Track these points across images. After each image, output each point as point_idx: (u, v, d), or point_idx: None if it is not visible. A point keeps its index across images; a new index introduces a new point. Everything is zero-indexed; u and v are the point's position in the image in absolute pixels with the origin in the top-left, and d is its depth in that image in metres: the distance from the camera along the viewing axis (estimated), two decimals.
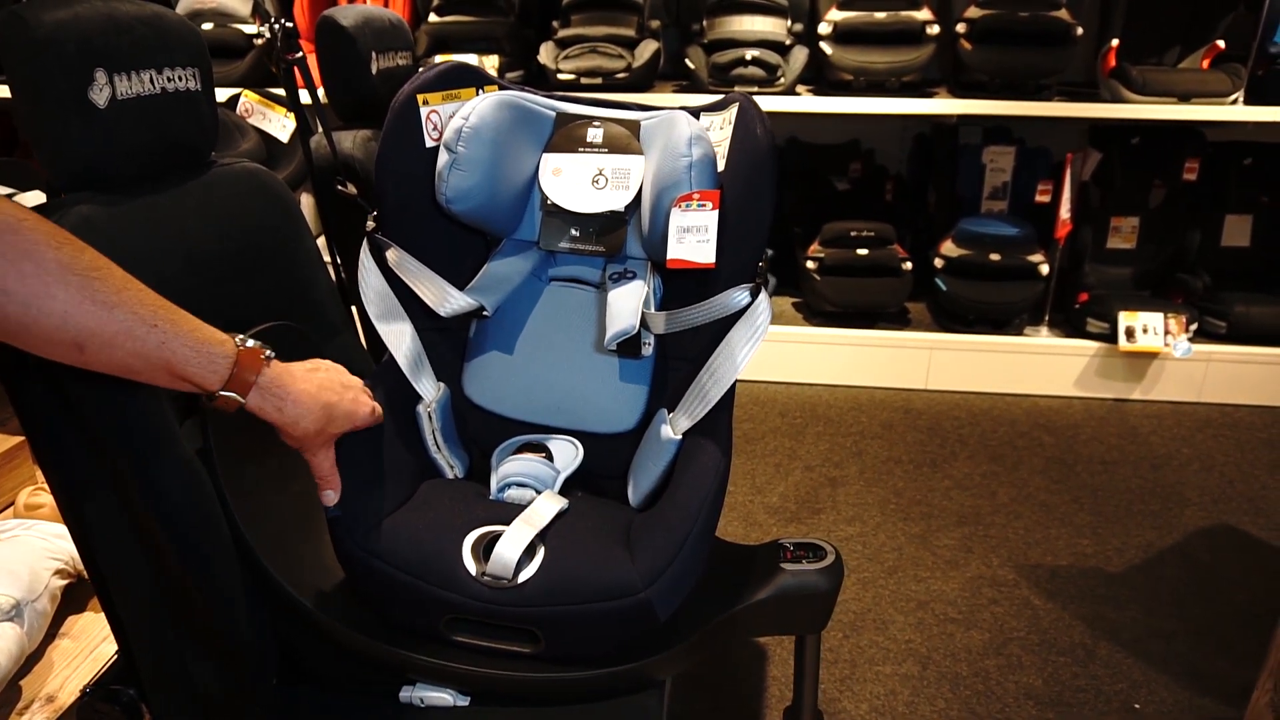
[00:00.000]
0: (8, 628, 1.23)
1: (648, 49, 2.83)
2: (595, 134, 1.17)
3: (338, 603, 1.00)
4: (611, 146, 1.16)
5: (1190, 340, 2.77)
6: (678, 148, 1.06)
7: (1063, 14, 2.65)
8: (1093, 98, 2.80)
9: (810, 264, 2.95)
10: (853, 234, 2.91)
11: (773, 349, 2.99)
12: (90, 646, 1.34)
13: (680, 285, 1.14)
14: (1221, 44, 2.75)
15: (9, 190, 1.72)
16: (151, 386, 0.91)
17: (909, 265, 2.90)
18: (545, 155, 1.18)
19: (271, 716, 1.03)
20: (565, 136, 1.18)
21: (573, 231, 1.18)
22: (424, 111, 1.11)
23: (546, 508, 0.99)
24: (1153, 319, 2.77)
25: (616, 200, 1.15)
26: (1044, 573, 2.06)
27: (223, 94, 2.39)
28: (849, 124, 3.32)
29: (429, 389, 1.13)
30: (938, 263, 2.93)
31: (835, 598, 1.08)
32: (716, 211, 1.03)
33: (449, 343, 1.20)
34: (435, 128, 1.12)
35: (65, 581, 1.41)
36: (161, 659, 1.00)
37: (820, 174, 3.33)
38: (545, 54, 2.85)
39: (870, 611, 1.92)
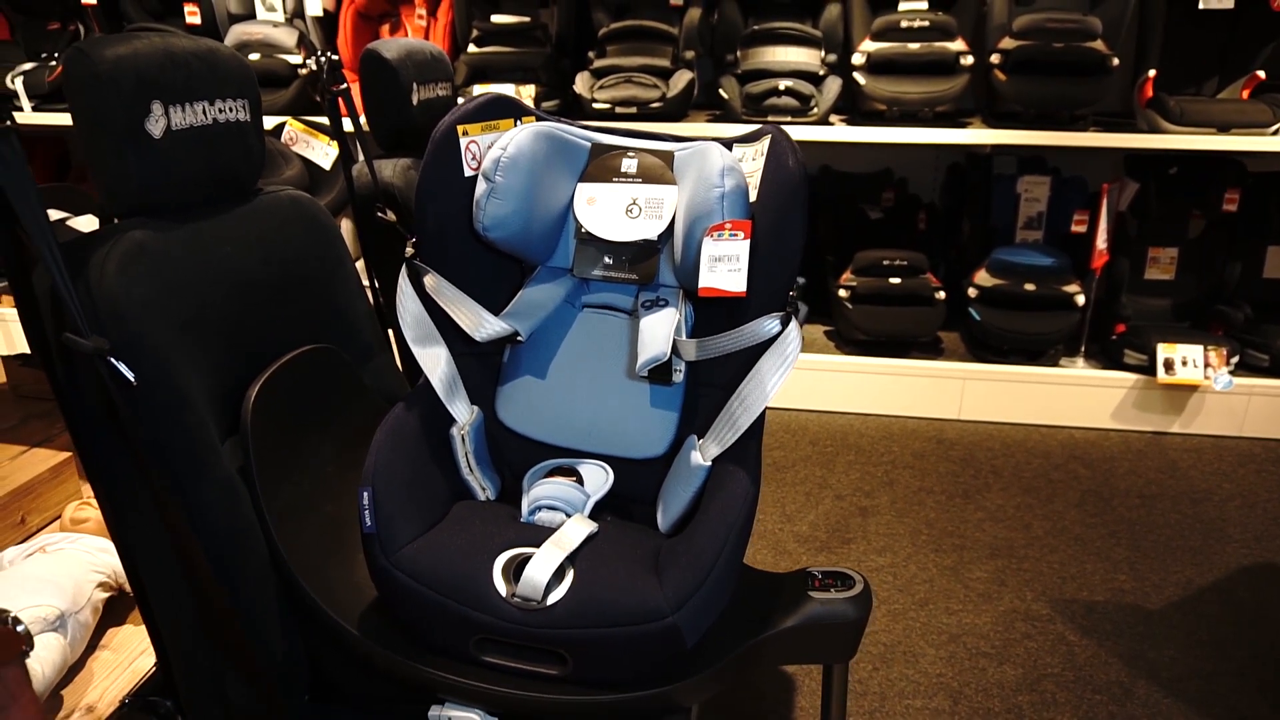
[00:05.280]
0: (52, 638, 1.26)
1: (682, 79, 2.87)
2: (629, 164, 1.19)
3: (370, 621, 1.02)
4: (645, 177, 1.18)
5: (1231, 373, 2.73)
6: (710, 178, 1.07)
7: (1098, 45, 2.65)
8: (1129, 128, 2.78)
9: (842, 292, 2.95)
10: (885, 262, 2.91)
11: (804, 377, 2.98)
12: (129, 659, 1.37)
13: (711, 313, 1.15)
14: (1262, 74, 2.72)
15: (63, 214, 1.78)
16: (195, 407, 0.94)
17: (942, 294, 2.89)
18: (580, 185, 1.21)
19: None
20: (600, 166, 1.20)
21: (606, 260, 1.20)
22: (463, 142, 1.14)
23: (576, 531, 1.00)
24: (1192, 351, 2.73)
25: (650, 229, 1.17)
26: (1079, 608, 2.02)
27: (268, 122, 2.46)
28: (881, 153, 3.33)
29: (463, 412, 1.15)
30: (971, 292, 2.91)
31: (864, 627, 1.07)
32: (748, 241, 1.04)
33: (483, 367, 1.22)
34: (474, 157, 1.15)
35: (107, 594, 1.44)
36: (198, 673, 1.02)
37: (853, 203, 3.34)
38: (581, 84, 2.89)
39: (900, 644, 1.90)
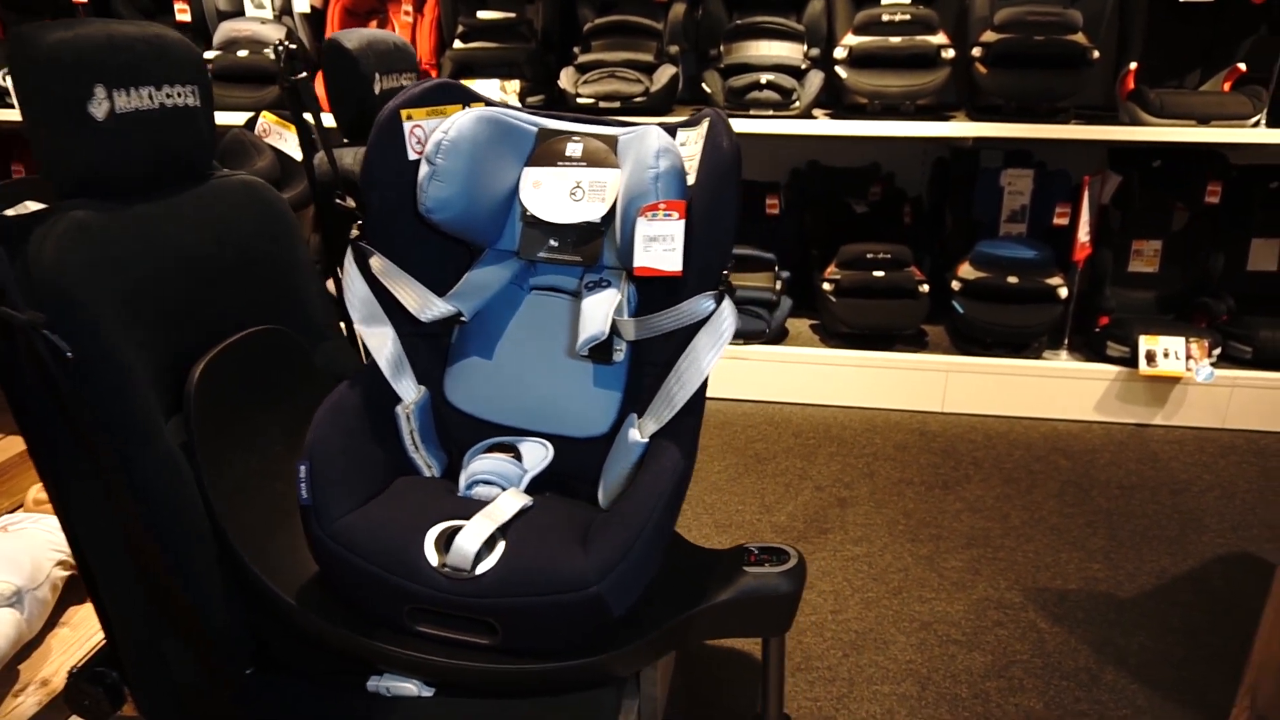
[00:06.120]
0: (7, 613, 1.29)
1: (665, 73, 2.88)
2: (574, 148, 1.21)
3: (309, 593, 1.04)
4: (590, 160, 1.20)
5: (1214, 365, 2.73)
6: (646, 160, 1.09)
7: (1079, 37, 2.65)
8: (1112, 121, 2.78)
9: (826, 286, 2.96)
10: (869, 256, 2.91)
11: (789, 370, 3.00)
12: (87, 635, 1.40)
13: (654, 293, 1.17)
14: (1243, 66, 2.72)
15: (40, 205, 1.80)
16: (137, 383, 0.96)
17: (925, 287, 2.90)
18: (526, 169, 1.23)
19: (246, 703, 1.07)
20: (546, 151, 1.22)
21: (551, 242, 1.22)
22: (407, 126, 1.16)
23: (509, 504, 1.02)
24: (1174, 343, 2.72)
25: (592, 212, 1.19)
26: (1052, 596, 2.03)
27: (244, 116, 2.50)
28: (869, 148, 3.34)
29: (409, 391, 1.17)
30: (955, 285, 2.92)
31: (797, 600, 1.09)
32: (682, 221, 1.06)
33: (432, 348, 1.24)
34: (419, 141, 1.17)
35: (67, 573, 1.47)
36: (142, 646, 1.04)
37: (839, 197, 3.35)
38: (565, 79, 2.91)
39: (872, 631, 1.91)
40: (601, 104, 2.85)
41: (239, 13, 3.16)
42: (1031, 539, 2.24)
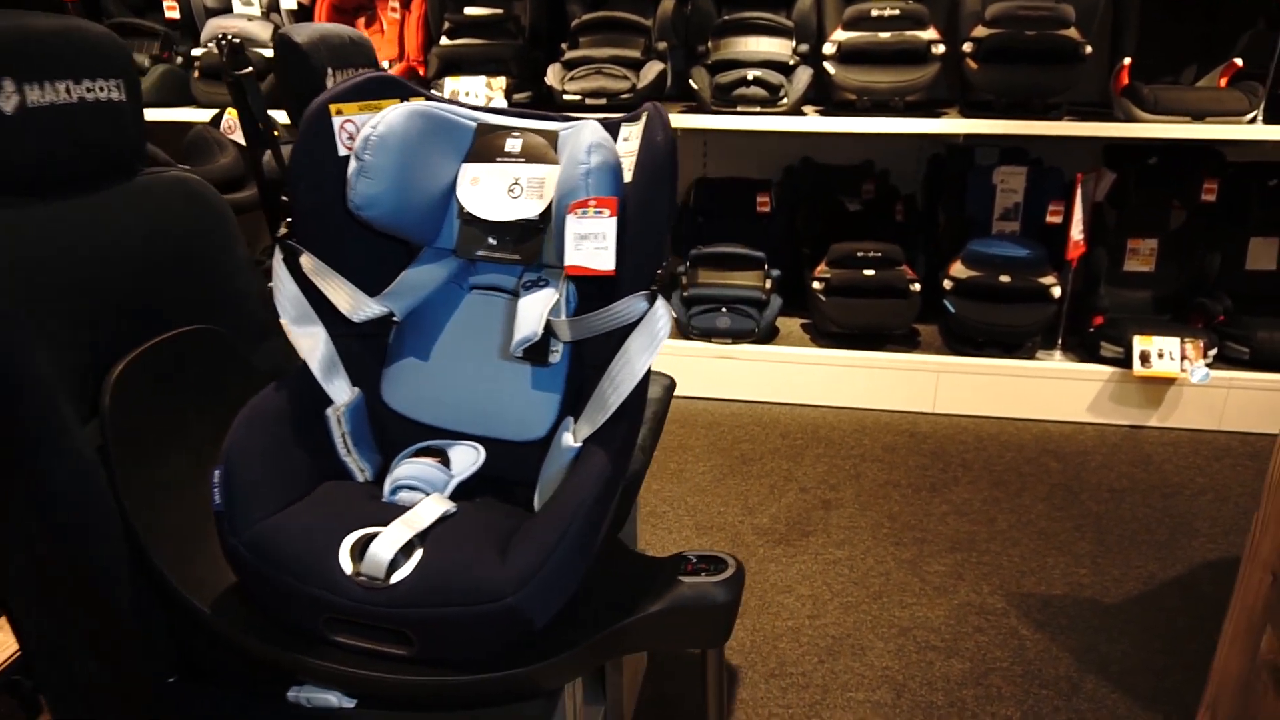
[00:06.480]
0: None
1: (653, 70, 2.85)
2: (514, 144, 1.18)
3: (228, 601, 1.01)
4: (529, 156, 1.17)
5: (1210, 366, 2.67)
6: (578, 155, 1.06)
7: (1071, 33, 2.60)
8: (1106, 117, 2.73)
9: (816, 285, 2.92)
10: (859, 254, 2.87)
11: (778, 370, 2.96)
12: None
13: (591, 293, 1.14)
14: (1239, 62, 2.66)
15: None
16: (46, 385, 0.94)
17: (917, 286, 2.85)
18: (465, 165, 1.19)
19: (164, 712, 1.04)
20: (485, 146, 1.19)
21: (490, 240, 1.19)
22: (338, 121, 1.13)
23: (429, 510, 0.99)
24: (1168, 343, 2.67)
25: (530, 209, 1.16)
26: (1035, 602, 1.99)
27: (210, 113, 2.49)
28: (864, 145, 3.29)
29: (341, 393, 1.14)
30: (946, 284, 2.87)
31: (734, 611, 1.05)
32: (614, 219, 1.03)
33: (369, 349, 1.21)
34: (350, 136, 1.15)
35: None
36: (53, 653, 1.02)
37: (831, 194, 3.30)
38: (552, 75, 2.89)
39: (850, 637, 1.88)
40: (588, 100, 2.82)
41: (227, 9, 3.16)
42: (1017, 543, 2.20)
